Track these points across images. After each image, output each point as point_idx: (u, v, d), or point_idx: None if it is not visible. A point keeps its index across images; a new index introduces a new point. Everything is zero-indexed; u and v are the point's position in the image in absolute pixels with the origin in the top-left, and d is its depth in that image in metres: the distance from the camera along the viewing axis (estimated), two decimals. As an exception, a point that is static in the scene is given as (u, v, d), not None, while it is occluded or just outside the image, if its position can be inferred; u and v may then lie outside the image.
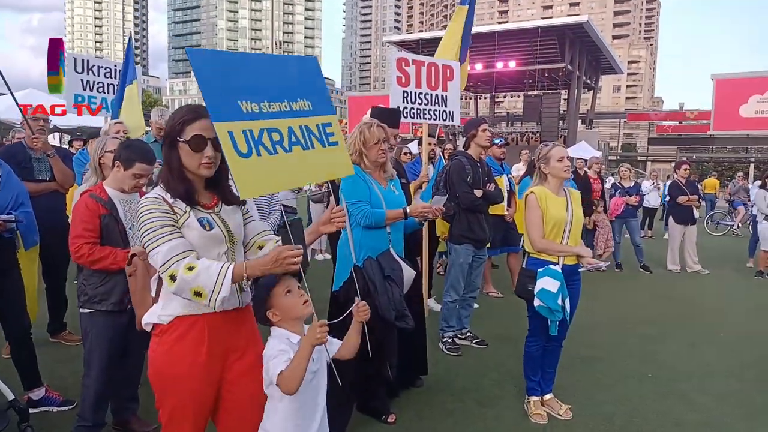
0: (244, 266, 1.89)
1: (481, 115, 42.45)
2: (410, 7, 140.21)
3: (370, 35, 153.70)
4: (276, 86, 2.12)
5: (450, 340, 4.83)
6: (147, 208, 1.92)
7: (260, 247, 2.17)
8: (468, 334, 5.03)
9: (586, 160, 10.49)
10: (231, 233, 2.06)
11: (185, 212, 1.96)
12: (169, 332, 1.99)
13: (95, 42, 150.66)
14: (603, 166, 9.06)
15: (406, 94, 5.46)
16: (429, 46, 34.56)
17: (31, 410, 3.29)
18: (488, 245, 5.10)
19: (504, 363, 4.59)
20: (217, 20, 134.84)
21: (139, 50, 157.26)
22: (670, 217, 9.37)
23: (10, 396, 3.08)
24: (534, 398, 3.70)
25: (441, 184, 4.88)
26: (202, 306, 1.96)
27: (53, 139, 15.63)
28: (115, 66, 6.78)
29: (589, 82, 36.34)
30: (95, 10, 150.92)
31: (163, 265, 1.85)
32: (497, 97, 39.77)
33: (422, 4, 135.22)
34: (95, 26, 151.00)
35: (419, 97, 5.57)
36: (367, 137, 3.27)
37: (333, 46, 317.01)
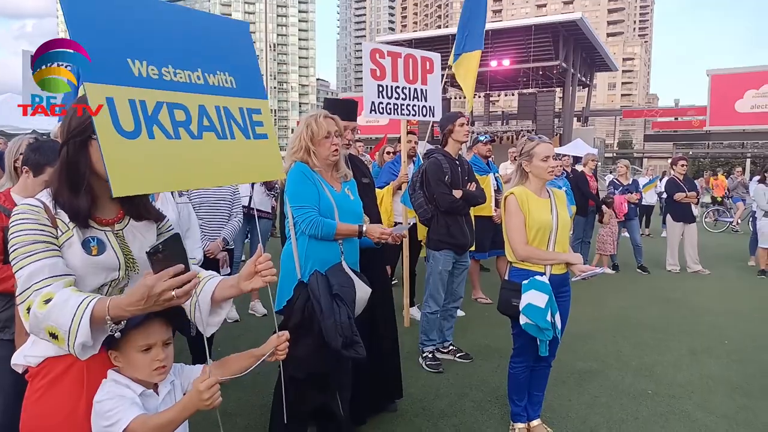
0: (108, 304, 1.41)
1: (476, 114, 42.16)
2: (404, 8, 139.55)
3: (365, 36, 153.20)
4: (188, 49, 1.63)
5: (430, 355, 4.42)
6: (19, 219, 1.51)
7: None
8: (451, 347, 4.62)
9: (576, 158, 10.10)
10: (131, 258, 1.64)
11: (68, 228, 1.55)
12: (40, 376, 1.57)
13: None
14: (598, 163, 8.65)
15: (381, 89, 5.06)
16: (422, 45, 34.20)
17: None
18: (472, 249, 4.69)
19: (488, 380, 4.18)
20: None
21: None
22: (668, 215, 8.99)
23: None
24: (519, 425, 3.29)
25: (417, 185, 4.47)
26: None
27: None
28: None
29: (584, 79, 35.99)
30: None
31: (21, 294, 1.44)
32: (492, 96, 39.37)
33: (416, 5, 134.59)
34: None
35: (396, 92, 5.17)
36: (314, 131, 2.84)
37: (327, 47, 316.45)
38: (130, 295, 1.40)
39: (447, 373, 4.32)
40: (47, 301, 1.39)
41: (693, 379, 4.31)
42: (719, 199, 16.74)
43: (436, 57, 5.50)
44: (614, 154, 44.85)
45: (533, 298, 2.91)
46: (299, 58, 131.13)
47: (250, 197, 5.85)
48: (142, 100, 1.47)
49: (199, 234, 3.23)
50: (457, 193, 4.29)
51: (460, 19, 6.30)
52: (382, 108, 5.09)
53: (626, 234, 9.02)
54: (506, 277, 3.15)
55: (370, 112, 5.03)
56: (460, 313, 5.47)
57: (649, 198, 13.03)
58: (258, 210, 5.95)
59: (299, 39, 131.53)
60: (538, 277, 2.97)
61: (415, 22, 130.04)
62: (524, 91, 33.51)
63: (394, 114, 5.18)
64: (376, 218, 3.43)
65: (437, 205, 4.30)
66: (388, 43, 37.12)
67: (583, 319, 5.78)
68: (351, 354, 2.51)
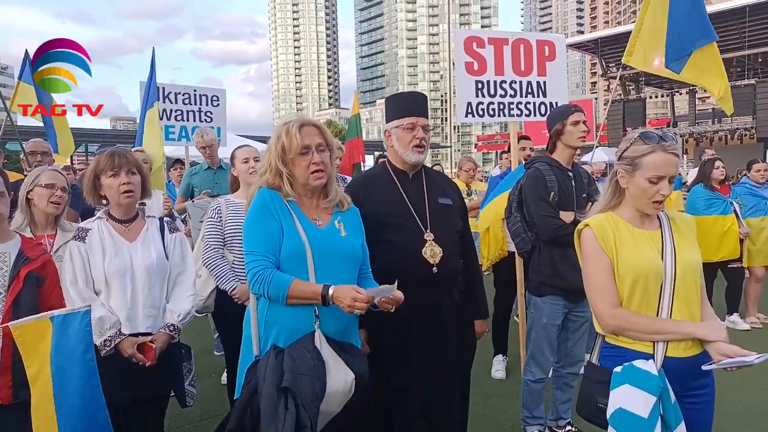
0: None
1: (680, 114, 37.06)
2: (593, 8, 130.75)
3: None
4: None
5: (535, 438, 3.25)
6: None
7: None
8: (568, 427, 3.37)
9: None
10: None
11: None
12: None
13: (295, 83, 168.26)
14: None
15: (480, 86, 4.06)
16: (611, 43, 31.46)
17: None
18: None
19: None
20: (398, 49, 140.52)
21: (331, 86, 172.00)
22: None
23: None
24: None
25: (514, 205, 3.36)
26: None
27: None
28: (195, 91, 6.38)
29: (824, 63, 29.83)
30: (295, 55, 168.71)
31: None
32: (698, 92, 34.32)
33: (606, 3, 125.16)
34: (295, 68, 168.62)
35: (502, 88, 4.12)
36: (286, 146, 2.00)
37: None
38: None
39: (557, 466, 3.11)
40: None
41: None
42: None
43: (558, 39, 4.30)
44: None
45: (628, 398, 1.71)
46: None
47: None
48: None
49: (192, 280, 2.58)
50: (567, 216, 3.09)
51: (671, 18, 4.79)
52: (482, 109, 4.07)
53: None
54: (593, 360, 1.96)
55: (466, 116, 4.05)
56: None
57: None
58: None
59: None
60: (639, 363, 1.75)
61: (606, 22, 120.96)
62: (739, 82, 28.68)
63: (498, 116, 4.13)
64: (451, 254, 2.45)
65: (538, 233, 3.16)
66: (571, 45, 34.53)
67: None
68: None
